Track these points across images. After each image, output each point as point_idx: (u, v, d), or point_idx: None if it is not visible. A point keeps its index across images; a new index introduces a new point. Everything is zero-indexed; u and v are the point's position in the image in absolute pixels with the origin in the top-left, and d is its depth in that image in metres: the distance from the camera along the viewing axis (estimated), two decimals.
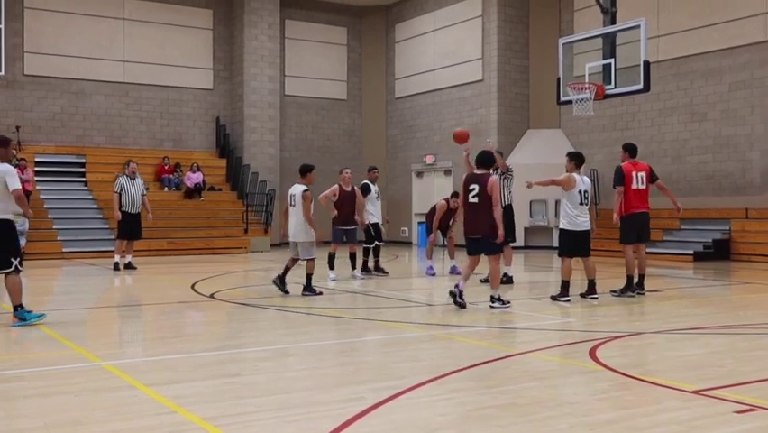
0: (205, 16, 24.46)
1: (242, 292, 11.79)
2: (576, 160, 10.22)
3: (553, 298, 10.09)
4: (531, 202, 21.09)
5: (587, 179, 10.31)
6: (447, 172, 24.34)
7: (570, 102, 15.63)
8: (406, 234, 25.74)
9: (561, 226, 10.27)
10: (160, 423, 4.47)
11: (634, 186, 10.44)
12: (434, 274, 13.99)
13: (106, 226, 19.40)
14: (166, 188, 22.42)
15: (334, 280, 12.68)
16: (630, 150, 10.75)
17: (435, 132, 24.71)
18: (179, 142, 24.06)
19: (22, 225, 14.82)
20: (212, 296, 10.89)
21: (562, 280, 10.02)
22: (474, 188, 9.18)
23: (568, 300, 9.89)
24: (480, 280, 12.00)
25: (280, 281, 10.90)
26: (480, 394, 5.31)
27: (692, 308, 10.03)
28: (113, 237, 16.89)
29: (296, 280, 11.44)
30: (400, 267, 16.52)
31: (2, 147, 8.16)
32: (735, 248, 17.81)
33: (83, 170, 21.94)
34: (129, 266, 15.13)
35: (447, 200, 14.22)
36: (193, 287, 12.04)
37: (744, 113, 18.30)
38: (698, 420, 4.52)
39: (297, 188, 10.74)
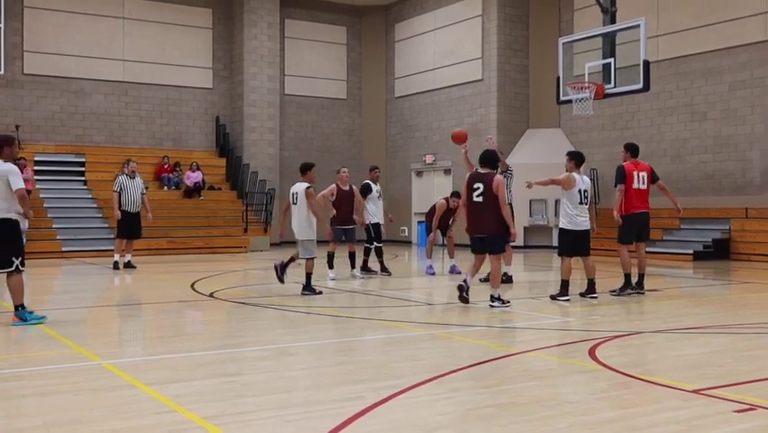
0: (204, 15, 24.46)
1: (241, 291, 11.79)
2: (576, 159, 10.23)
3: (553, 297, 10.10)
4: (531, 201, 21.09)
5: (587, 179, 10.32)
6: (447, 172, 24.34)
7: (569, 101, 15.63)
8: (406, 234, 25.75)
9: (560, 226, 10.28)
10: (160, 422, 4.47)
11: (635, 185, 10.46)
12: (433, 273, 13.99)
13: (106, 225, 19.40)
14: (165, 188, 22.42)
15: (334, 279, 12.68)
16: (632, 150, 10.76)
17: (435, 131, 24.71)
18: (179, 142, 24.06)
19: (21, 224, 14.80)
20: (211, 295, 10.89)
21: (562, 280, 10.02)
22: (479, 187, 9.22)
23: (567, 300, 9.89)
24: (480, 280, 11.99)
25: (281, 269, 10.95)
26: (479, 393, 5.31)
27: (692, 308, 10.03)
28: (112, 236, 16.90)
29: (295, 279, 11.44)
30: (400, 266, 16.52)
31: (6, 146, 8.13)
32: (734, 248, 17.82)
33: (82, 169, 21.94)
34: (128, 265, 15.14)
35: (447, 200, 14.22)
36: (192, 286, 12.04)
37: (743, 112, 18.31)
38: (697, 420, 4.53)
39: (299, 187, 10.75)
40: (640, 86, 14.42)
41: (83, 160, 22.07)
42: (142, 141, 23.46)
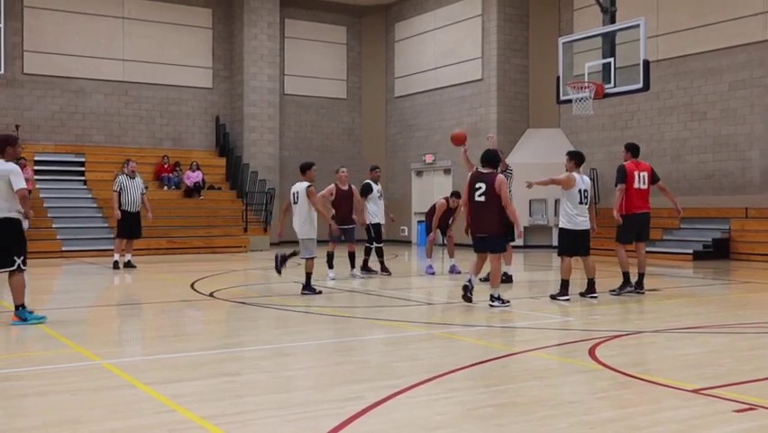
0: (204, 15, 24.45)
1: (241, 291, 11.79)
2: (576, 159, 10.24)
3: (553, 297, 10.10)
4: (531, 201, 21.09)
5: (587, 179, 10.32)
6: (447, 171, 24.34)
7: (569, 101, 15.63)
8: (406, 234, 25.75)
9: (560, 226, 10.28)
10: (160, 422, 4.46)
11: (636, 185, 10.47)
12: (433, 273, 13.99)
13: (106, 225, 19.40)
14: (165, 187, 22.41)
15: (334, 279, 12.68)
16: (632, 150, 10.77)
17: (435, 131, 24.70)
18: (179, 141, 24.05)
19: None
20: (211, 295, 10.89)
21: (562, 280, 10.02)
22: (481, 187, 9.24)
23: (567, 299, 9.89)
24: (480, 280, 11.98)
25: (281, 261, 11.07)
26: (479, 393, 5.31)
27: (692, 308, 10.03)
28: (112, 236, 16.89)
29: (295, 279, 11.43)
30: (400, 266, 16.51)
31: (9, 146, 8.11)
32: (734, 247, 17.82)
33: (82, 168, 21.93)
34: (128, 265, 15.14)
35: (447, 199, 14.22)
36: (192, 286, 12.04)
37: (743, 112, 18.31)
38: (697, 419, 4.53)
39: (300, 186, 10.76)
40: (640, 85, 14.42)
41: (83, 159, 22.06)
42: (142, 140, 23.46)
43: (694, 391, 5.14)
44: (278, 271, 11.15)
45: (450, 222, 14.29)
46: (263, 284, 13.16)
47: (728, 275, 14.72)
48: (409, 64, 25.97)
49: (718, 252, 17.72)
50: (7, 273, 8.04)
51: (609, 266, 13.87)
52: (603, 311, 9.28)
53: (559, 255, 10.35)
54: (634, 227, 10.60)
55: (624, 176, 10.47)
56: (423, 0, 25.34)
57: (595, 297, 10.07)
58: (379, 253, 13.82)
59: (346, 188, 13.26)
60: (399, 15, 26.46)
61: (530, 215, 21.46)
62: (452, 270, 14.00)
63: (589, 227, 10.19)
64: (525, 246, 20.97)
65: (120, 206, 15.04)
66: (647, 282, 10.95)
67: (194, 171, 22.59)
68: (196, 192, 22.37)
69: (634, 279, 10.68)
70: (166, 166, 22.72)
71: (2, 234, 7.92)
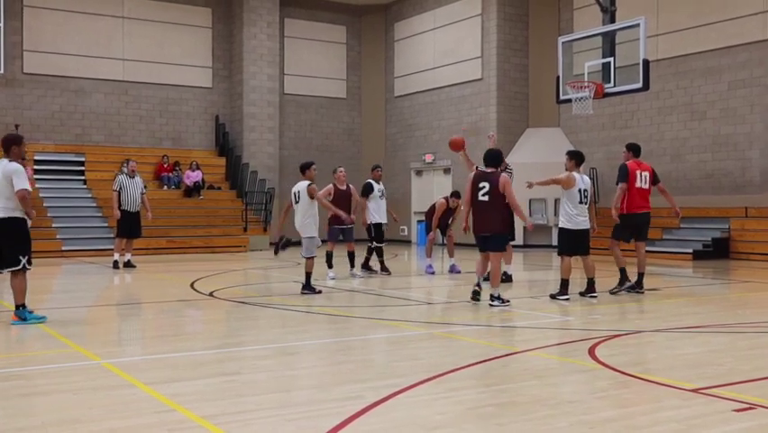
0: (204, 15, 24.44)
1: (241, 291, 11.79)
2: (576, 158, 10.25)
3: (553, 296, 10.10)
4: (530, 201, 21.08)
5: (587, 179, 10.33)
6: (446, 171, 24.35)
7: (569, 101, 15.62)
8: (406, 233, 25.75)
9: (560, 225, 10.29)
10: (160, 421, 4.46)
11: (637, 184, 10.49)
12: (433, 273, 13.99)
13: (105, 225, 19.40)
14: (165, 187, 22.41)
15: (333, 278, 12.68)
16: (634, 149, 10.80)
17: (435, 130, 24.70)
18: (179, 141, 24.05)
19: None
20: (211, 294, 10.89)
21: (562, 279, 10.02)
22: (485, 187, 9.28)
23: (567, 299, 9.89)
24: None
25: (280, 244, 11.27)
26: (479, 393, 5.31)
27: (691, 307, 10.04)
28: (112, 236, 16.90)
29: (295, 279, 11.43)
30: (400, 266, 16.51)
31: (14, 145, 8.09)
32: (734, 247, 17.82)
33: (82, 168, 21.93)
34: (128, 264, 15.14)
35: (446, 199, 14.22)
36: (192, 285, 12.04)
37: (743, 111, 18.31)
38: (697, 419, 4.53)
39: (301, 185, 10.79)
40: (640, 85, 14.42)
41: (83, 159, 22.06)
42: (142, 140, 23.46)
43: (694, 391, 5.14)
44: (275, 252, 11.44)
45: (449, 222, 14.29)
46: (263, 284, 13.16)
47: (728, 275, 14.73)
48: (409, 63, 25.97)
49: (718, 251, 17.72)
50: (9, 273, 8.03)
51: (609, 266, 13.85)
52: (603, 311, 9.28)
53: (559, 255, 10.35)
54: (632, 226, 10.63)
55: (626, 175, 10.49)
56: None
57: (595, 296, 10.08)
58: (379, 253, 13.82)
59: (344, 187, 13.26)
60: (399, 15, 26.46)
61: (530, 214, 21.41)
62: (452, 269, 14.00)
63: (588, 227, 10.20)
64: (524, 246, 20.97)
65: (119, 205, 15.04)
66: (647, 282, 10.96)
67: (193, 171, 22.59)
68: (195, 192, 22.37)
69: (633, 278, 10.69)
70: (166, 166, 22.71)
71: (7, 234, 7.90)
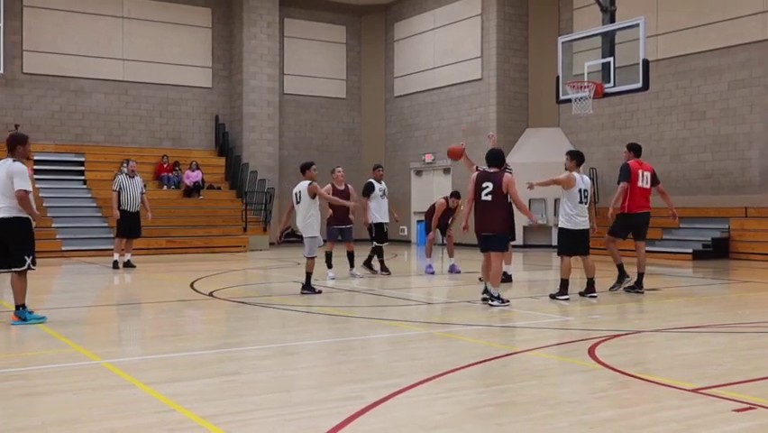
0: (204, 15, 24.44)
1: (241, 291, 11.79)
2: (577, 159, 10.26)
3: (553, 296, 10.10)
4: (530, 201, 21.06)
5: (587, 179, 10.33)
6: (446, 171, 24.34)
7: (569, 100, 15.61)
8: (405, 233, 25.75)
9: (560, 225, 10.29)
10: (160, 421, 4.46)
11: (639, 184, 10.52)
12: (432, 273, 13.99)
13: (105, 225, 19.41)
14: (165, 187, 22.41)
15: (333, 278, 12.68)
16: (635, 150, 10.82)
17: (434, 130, 24.70)
18: (178, 141, 24.05)
19: None
20: (211, 294, 10.89)
21: (562, 279, 10.03)
22: (488, 186, 9.30)
23: (567, 299, 9.89)
24: (480, 279, 12.00)
25: (286, 233, 11.81)
26: (479, 393, 5.31)
27: (691, 307, 10.04)
28: (112, 236, 16.90)
29: (295, 279, 11.43)
30: (399, 265, 16.51)
31: (20, 144, 8.06)
32: (734, 247, 17.83)
33: (82, 168, 21.93)
34: (128, 264, 15.14)
35: (446, 199, 14.22)
36: (192, 285, 12.04)
37: (743, 111, 18.31)
38: (697, 419, 4.53)
39: (302, 185, 10.81)
40: (639, 85, 14.41)
41: (82, 159, 22.06)
42: (142, 140, 23.46)
43: (694, 391, 5.14)
44: (278, 239, 11.73)
45: (449, 222, 14.29)
46: (263, 284, 13.16)
47: (728, 275, 14.73)
48: (409, 63, 25.97)
49: (718, 251, 17.73)
50: (10, 273, 8.02)
51: (609, 266, 13.85)
52: (603, 311, 9.28)
53: (558, 255, 10.35)
54: (632, 226, 10.65)
55: (628, 174, 10.50)
56: None
57: (594, 296, 10.08)
58: (379, 253, 13.83)
59: (342, 187, 13.26)
60: (399, 15, 26.46)
61: None
62: (452, 269, 14.01)
63: (588, 227, 10.21)
64: (524, 246, 20.98)
65: (119, 205, 15.04)
66: (647, 282, 10.96)
67: (193, 171, 22.58)
68: (195, 192, 22.37)
69: (632, 277, 10.70)
70: (165, 166, 22.71)
71: (12, 234, 7.89)
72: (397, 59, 26.57)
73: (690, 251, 17.62)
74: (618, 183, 10.65)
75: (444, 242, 14.78)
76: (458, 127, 22.88)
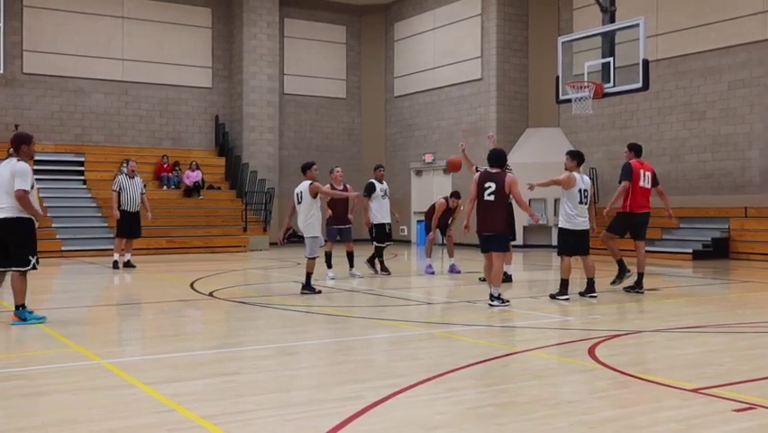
0: (204, 15, 24.44)
1: (241, 291, 11.79)
2: (577, 159, 10.26)
3: (553, 296, 10.10)
4: (530, 201, 21.03)
5: (587, 179, 10.34)
6: (446, 171, 24.32)
7: (569, 101, 15.62)
8: (405, 233, 25.74)
9: (560, 225, 10.29)
10: (159, 421, 4.46)
11: (641, 183, 10.53)
12: (432, 273, 13.99)
13: (105, 225, 19.41)
14: (165, 187, 22.41)
15: (333, 278, 12.68)
16: (636, 150, 10.84)
17: (434, 130, 24.70)
18: (178, 141, 24.05)
19: None
20: (211, 294, 10.89)
21: (562, 279, 10.03)
22: (490, 186, 9.31)
23: (567, 299, 9.89)
24: (480, 279, 12.02)
25: (288, 234, 11.80)
26: (479, 393, 5.31)
27: (691, 307, 10.04)
28: (112, 236, 16.90)
29: (295, 279, 11.43)
30: (399, 265, 16.51)
31: (24, 144, 8.04)
32: (734, 247, 17.82)
33: (82, 168, 21.93)
34: (128, 264, 15.14)
35: (446, 199, 14.22)
36: (192, 285, 12.04)
37: (743, 111, 18.31)
38: (696, 419, 4.53)
39: (304, 185, 10.83)
40: (639, 85, 14.42)
41: (82, 159, 22.06)
42: (142, 140, 23.46)
43: (694, 391, 5.14)
44: (280, 243, 11.87)
45: (449, 222, 14.29)
46: (263, 284, 13.17)
47: (728, 275, 14.73)
48: (409, 63, 25.97)
49: (718, 251, 17.73)
50: (11, 272, 8.01)
51: (609, 266, 13.86)
52: (603, 311, 9.28)
53: (558, 255, 10.35)
54: (631, 225, 10.66)
55: (630, 173, 10.52)
56: None
57: (594, 296, 10.08)
58: (380, 253, 13.83)
59: (341, 188, 13.24)
60: (399, 15, 26.46)
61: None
62: (452, 269, 14.01)
63: (588, 227, 10.21)
64: (524, 246, 20.97)
65: (119, 205, 15.04)
66: (647, 282, 10.96)
67: (193, 171, 22.58)
68: (195, 192, 22.37)
69: (634, 270, 10.71)
70: (165, 166, 22.71)
71: (12, 234, 7.88)
72: (397, 59, 26.57)
73: (690, 251, 17.62)
74: (620, 182, 10.66)
75: (444, 242, 14.78)
76: (458, 127, 22.87)
